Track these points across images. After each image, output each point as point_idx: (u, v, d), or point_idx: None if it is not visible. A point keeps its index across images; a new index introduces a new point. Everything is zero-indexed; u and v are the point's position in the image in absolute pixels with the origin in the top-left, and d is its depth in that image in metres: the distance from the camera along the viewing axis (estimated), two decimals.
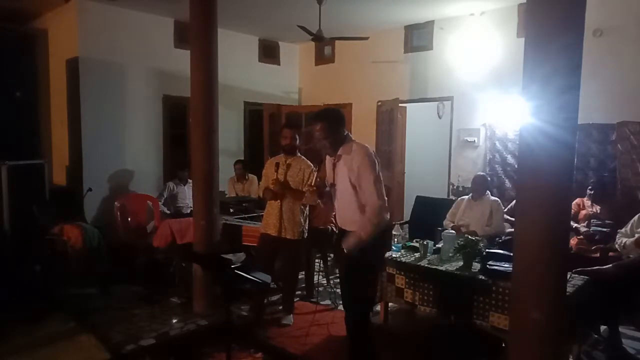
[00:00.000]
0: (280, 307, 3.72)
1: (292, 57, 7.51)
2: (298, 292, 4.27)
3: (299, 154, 3.53)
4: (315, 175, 3.44)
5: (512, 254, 2.12)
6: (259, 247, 3.56)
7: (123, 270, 4.47)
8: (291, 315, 3.62)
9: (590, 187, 4.34)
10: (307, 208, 3.57)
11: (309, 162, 3.52)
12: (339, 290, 4.05)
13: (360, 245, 2.39)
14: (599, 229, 4.10)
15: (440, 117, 7.00)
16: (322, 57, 7.36)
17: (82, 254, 4.31)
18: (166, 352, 3.14)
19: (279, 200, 3.40)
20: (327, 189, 2.68)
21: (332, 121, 2.53)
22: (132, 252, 4.69)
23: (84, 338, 3.26)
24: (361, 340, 2.55)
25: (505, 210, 4.48)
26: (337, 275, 4.44)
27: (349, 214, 2.53)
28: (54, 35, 5.75)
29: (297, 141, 3.49)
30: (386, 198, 2.51)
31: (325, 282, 4.50)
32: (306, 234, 3.59)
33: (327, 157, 2.67)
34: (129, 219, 5.13)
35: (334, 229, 4.30)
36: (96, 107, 5.32)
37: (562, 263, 2.04)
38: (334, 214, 2.77)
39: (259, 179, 4.07)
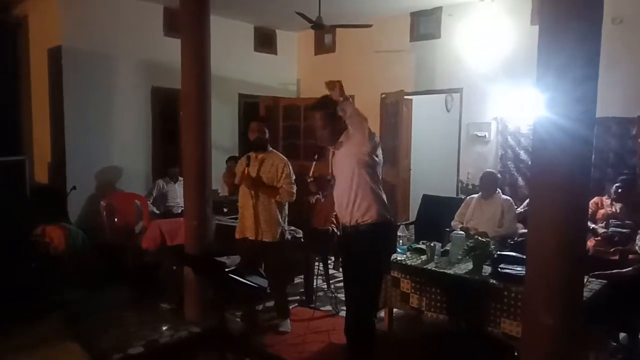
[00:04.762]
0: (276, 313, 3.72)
1: (289, 46, 7.50)
2: (296, 297, 4.28)
3: (270, 149, 3.54)
4: (290, 169, 3.46)
5: (524, 257, 2.12)
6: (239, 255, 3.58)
7: (109, 273, 4.47)
8: (288, 320, 3.63)
9: (618, 185, 4.25)
10: (286, 206, 3.57)
11: (281, 155, 3.53)
12: (340, 295, 4.07)
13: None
14: (618, 229, 4.09)
15: (448, 111, 6.99)
16: (322, 47, 7.34)
17: (65, 257, 4.31)
18: None
19: (252, 201, 3.40)
20: (329, 178, 2.71)
21: (331, 109, 2.56)
22: (120, 254, 4.69)
23: (67, 346, 3.26)
24: (364, 348, 2.55)
25: (518, 209, 4.48)
26: (339, 279, 4.48)
27: (352, 204, 2.54)
28: (35, 23, 5.73)
29: (267, 134, 3.50)
30: (383, 194, 2.57)
31: (325, 286, 4.50)
32: (287, 235, 3.60)
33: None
34: (116, 220, 5.12)
35: (335, 230, 4.33)
36: (80, 99, 5.31)
37: (578, 266, 2.04)
38: (334, 214, 2.78)
39: None
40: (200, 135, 3.72)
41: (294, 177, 3.48)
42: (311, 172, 2.61)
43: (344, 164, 2.55)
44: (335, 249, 4.40)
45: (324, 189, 2.71)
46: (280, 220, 3.49)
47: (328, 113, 2.56)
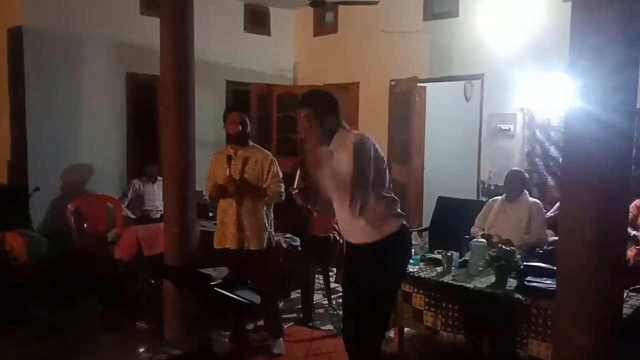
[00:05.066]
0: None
1: (285, 26, 7.50)
2: (293, 315, 4.28)
3: (251, 143, 3.53)
4: (277, 166, 3.45)
5: (555, 268, 2.12)
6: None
7: (78, 287, 4.46)
8: (281, 340, 3.64)
9: None
10: (272, 208, 3.56)
11: (265, 150, 3.53)
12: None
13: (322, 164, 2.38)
14: None
15: (467, 100, 6.99)
16: (323, 26, 7.34)
17: (27, 268, 4.31)
18: None
19: (235, 205, 3.38)
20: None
21: (320, 106, 2.52)
22: (90, 265, 4.68)
23: None
24: None
25: (547, 214, 4.47)
26: (341, 294, 4.48)
27: (354, 220, 2.51)
28: None
29: (249, 127, 3.48)
30: (396, 198, 2.54)
31: (326, 302, 4.50)
32: (274, 241, 3.59)
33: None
34: (85, 225, 5.12)
35: (337, 237, 4.33)
36: (44, 87, 5.31)
37: (616, 278, 2.04)
38: (336, 219, 2.77)
39: None
40: (182, 128, 3.72)
41: (281, 175, 3.49)
42: (295, 183, 2.51)
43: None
44: (338, 259, 4.40)
45: (313, 202, 2.62)
46: (267, 224, 3.49)
47: (314, 110, 2.51)
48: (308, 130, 2.54)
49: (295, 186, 2.51)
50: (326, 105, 2.54)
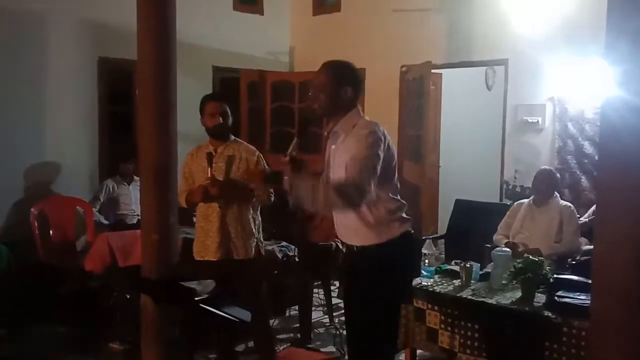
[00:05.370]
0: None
1: (280, 3, 7.52)
2: (290, 335, 4.28)
3: (233, 137, 3.52)
4: (264, 163, 3.45)
5: (590, 281, 2.12)
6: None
7: (43, 303, 4.46)
8: None
9: None
10: (259, 211, 3.57)
11: (251, 146, 3.53)
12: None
13: (300, 202, 2.42)
14: None
15: (489, 89, 7.00)
16: (323, 5, 7.37)
17: None
18: None
19: (218, 210, 3.37)
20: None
21: (343, 77, 2.55)
22: (56, 278, 4.70)
23: None
24: None
25: (581, 219, 4.48)
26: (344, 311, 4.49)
27: (353, 222, 2.54)
28: None
29: (230, 119, 3.48)
30: (404, 202, 2.56)
31: (327, 320, 4.51)
32: (264, 249, 3.58)
33: (328, 143, 2.67)
34: (51, 232, 5.13)
35: (340, 246, 4.33)
36: (2, 74, 5.31)
37: None
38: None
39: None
40: (162, 121, 3.69)
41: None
42: (290, 149, 2.52)
43: (342, 163, 2.50)
44: (341, 271, 4.41)
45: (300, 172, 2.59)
46: (254, 230, 3.49)
47: (336, 80, 2.53)
48: (318, 100, 2.56)
49: (288, 152, 2.51)
50: (349, 80, 2.57)
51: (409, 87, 6.38)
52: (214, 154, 3.37)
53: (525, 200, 4.35)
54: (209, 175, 3.29)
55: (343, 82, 2.54)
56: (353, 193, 2.35)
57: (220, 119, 3.40)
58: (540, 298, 3.11)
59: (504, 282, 3.31)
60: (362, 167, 2.38)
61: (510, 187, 5.88)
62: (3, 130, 5.33)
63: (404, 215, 2.59)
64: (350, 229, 2.57)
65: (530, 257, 3.29)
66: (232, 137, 3.52)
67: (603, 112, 2.06)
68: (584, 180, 5.43)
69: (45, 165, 5.63)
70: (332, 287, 4.68)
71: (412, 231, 2.65)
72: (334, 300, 4.67)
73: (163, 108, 3.70)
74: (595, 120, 5.26)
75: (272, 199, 3.46)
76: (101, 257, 4.41)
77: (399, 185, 2.65)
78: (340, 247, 4.35)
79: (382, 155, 2.44)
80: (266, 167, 3.48)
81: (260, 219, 3.58)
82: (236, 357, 3.77)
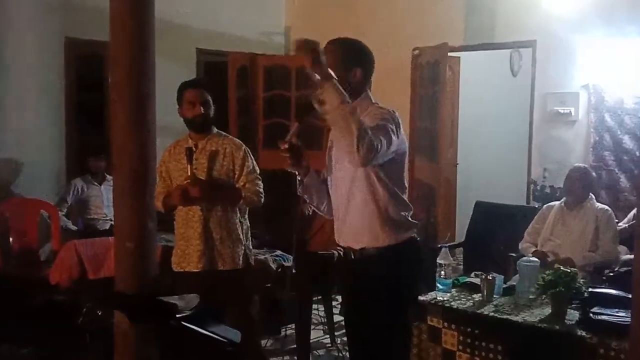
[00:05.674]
0: None
1: None
2: (286, 358, 4.28)
3: (215, 130, 3.52)
4: (252, 159, 3.46)
5: (629, 296, 2.12)
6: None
7: (2, 321, 4.47)
8: None
9: None
10: (247, 215, 3.57)
11: (236, 139, 3.54)
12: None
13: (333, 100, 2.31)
14: None
15: (514, 75, 7.01)
16: None
17: None
18: None
19: (200, 213, 3.37)
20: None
21: (350, 56, 2.58)
22: (17, 292, 4.70)
23: None
24: None
25: (620, 224, 4.48)
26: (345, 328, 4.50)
27: (356, 220, 2.55)
28: None
29: (212, 109, 3.47)
30: (410, 205, 2.57)
31: (328, 340, 4.51)
32: (252, 257, 3.59)
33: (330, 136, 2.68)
34: (11, 240, 5.14)
35: (342, 255, 4.33)
36: None
37: None
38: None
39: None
40: (138, 112, 3.69)
41: (258, 170, 3.51)
42: (289, 135, 2.53)
43: (343, 157, 2.50)
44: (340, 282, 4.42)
45: (303, 171, 2.64)
46: (242, 236, 3.48)
47: (343, 54, 2.56)
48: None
49: (287, 138, 2.51)
50: (358, 60, 2.61)
51: (422, 72, 6.37)
52: (194, 149, 3.37)
53: (556, 203, 4.36)
54: (189, 173, 3.28)
55: (351, 63, 2.57)
56: (367, 136, 2.27)
57: (202, 108, 3.39)
58: (573, 315, 3.11)
59: (531, 296, 3.31)
60: (379, 125, 2.39)
61: (538, 187, 5.87)
62: None
63: (409, 218, 2.62)
64: (352, 227, 2.58)
65: (562, 267, 3.29)
66: (215, 130, 3.52)
67: None
68: (623, 180, 5.41)
69: (5, 163, 5.62)
70: (334, 303, 4.68)
71: (418, 238, 2.68)
72: (336, 318, 4.68)
73: (139, 97, 3.71)
74: (636, 111, 5.27)
75: (262, 200, 3.46)
76: (68, 268, 4.41)
77: (406, 185, 2.67)
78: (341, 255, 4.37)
79: (395, 140, 2.44)
80: (254, 164, 3.48)
81: (248, 223, 3.58)
82: None
